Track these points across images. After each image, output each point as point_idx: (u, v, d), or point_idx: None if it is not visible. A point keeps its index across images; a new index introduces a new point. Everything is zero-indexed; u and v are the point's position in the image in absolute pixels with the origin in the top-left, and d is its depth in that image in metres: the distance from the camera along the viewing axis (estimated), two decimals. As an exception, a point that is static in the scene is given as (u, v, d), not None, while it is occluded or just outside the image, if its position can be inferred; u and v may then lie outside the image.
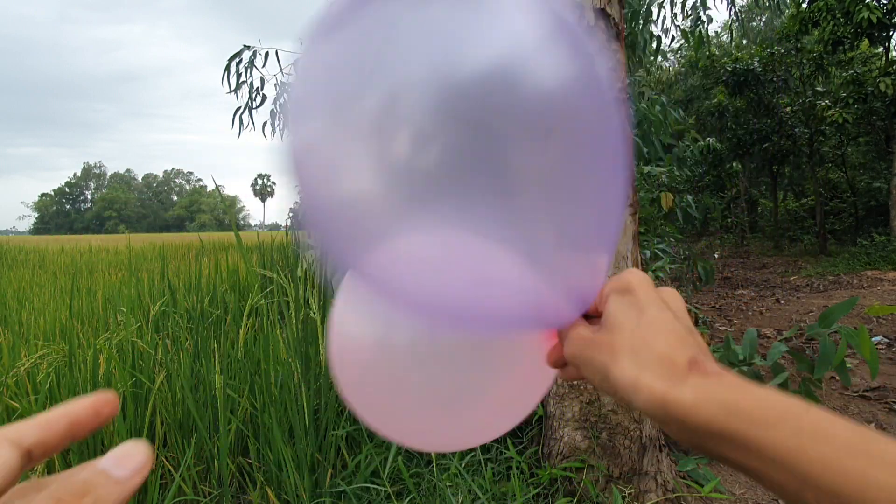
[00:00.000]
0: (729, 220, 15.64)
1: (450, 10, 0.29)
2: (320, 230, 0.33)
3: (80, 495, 0.23)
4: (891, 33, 9.61)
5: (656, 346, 0.34)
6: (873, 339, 4.15)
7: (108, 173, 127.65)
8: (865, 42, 10.21)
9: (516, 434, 2.27)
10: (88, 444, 1.86)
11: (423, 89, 0.27)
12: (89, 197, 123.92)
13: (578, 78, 0.30)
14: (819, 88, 11.79)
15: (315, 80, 0.31)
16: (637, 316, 0.36)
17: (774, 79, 11.53)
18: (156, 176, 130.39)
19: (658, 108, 4.24)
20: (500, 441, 2.18)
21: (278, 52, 7.23)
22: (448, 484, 1.77)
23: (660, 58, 7.94)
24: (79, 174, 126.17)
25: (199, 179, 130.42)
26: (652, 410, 0.33)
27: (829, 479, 0.27)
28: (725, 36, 16.42)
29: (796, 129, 11.62)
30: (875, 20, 8.64)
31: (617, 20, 1.90)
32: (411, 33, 0.29)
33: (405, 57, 0.28)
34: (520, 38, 0.29)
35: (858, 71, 10.57)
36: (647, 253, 3.55)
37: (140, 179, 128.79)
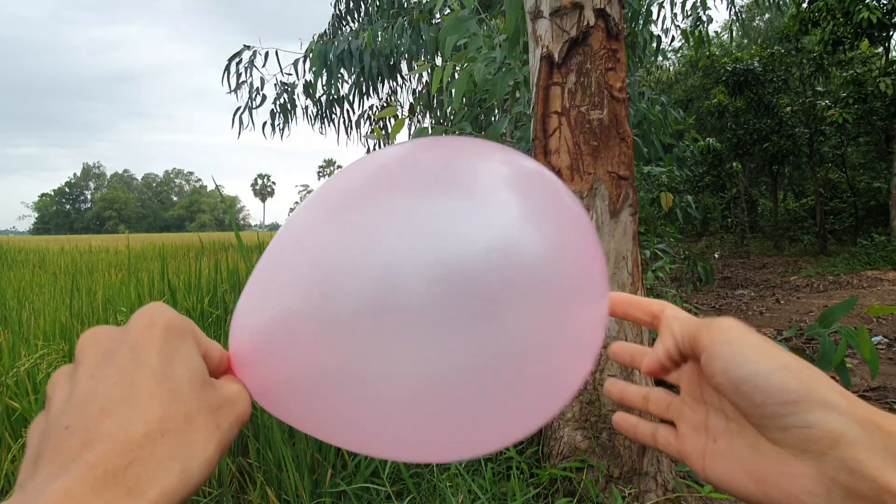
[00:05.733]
0: (729, 220, 15.65)
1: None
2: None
3: None
4: (891, 33, 9.62)
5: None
6: (873, 339, 4.15)
7: (108, 173, 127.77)
8: (865, 42, 10.22)
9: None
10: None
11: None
12: (89, 197, 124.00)
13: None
14: (819, 88, 11.80)
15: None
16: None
17: (774, 79, 11.53)
18: (156, 176, 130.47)
19: (658, 108, 4.24)
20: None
21: (278, 52, 7.23)
22: (448, 484, 1.77)
23: (660, 58, 7.94)
24: (78, 174, 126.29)
25: (199, 179, 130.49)
26: (865, 431, 0.26)
27: None
28: (725, 36, 16.43)
29: (796, 129, 11.63)
30: (875, 20, 8.65)
31: (617, 20, 1.90)
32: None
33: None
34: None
35: (858, 71, 10.57)
36: (647, 253, 3.55)
37: (140, 179, 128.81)
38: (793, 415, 0.28)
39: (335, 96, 8.27)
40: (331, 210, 0.35)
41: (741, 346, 0.30)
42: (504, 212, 0.33)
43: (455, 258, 0.30)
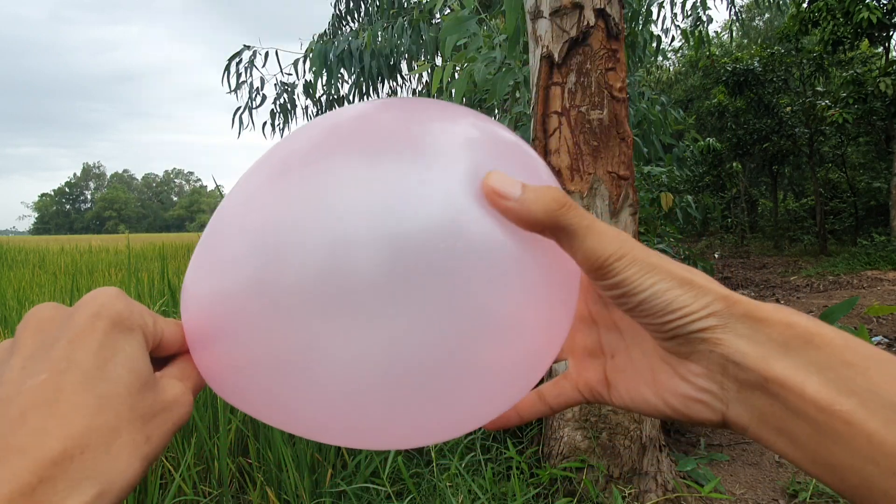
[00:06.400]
0: (729, 220, 15.64)
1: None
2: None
3: None
4: (891, 33, 9.61)
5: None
6: (873, 339, 4.15)
7: (108, 173, 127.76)
8: (865, 42, 10.21)
9: (516, 434, 2.27)
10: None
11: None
12: (89, 197, 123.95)
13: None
14: (819, 88, 11.79)
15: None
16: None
17: (774, 79, 11.53)
18: (156, 176, 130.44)
19: (658, 108, 4.24)
20: (500, 441, 2.18)
21: (278, 52, 7.23)
22: (448, 484, 1.77)
23: (660, 58, 7.94)
24: (78, 174, 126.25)
25: (199, 179, 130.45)
26: (746, 326, 0.27)
27: None
28: (725, 36, 16.44)
29: (796, 129, 11.62)
30: (875, 20, 8.64)
31: (617, 20, 1.90)
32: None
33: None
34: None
35: (858, 71, 10.56)
36: (647, 253, 3.53)
37: (140, 179, 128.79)
38: (679, 326, 0.29)
39: (335, 96, 8.27)
40: (276, 174, 0.32)
41: (637, 273, 0.29)
42: (460, 176, 0.30)
43: (405, 229, 0.28)
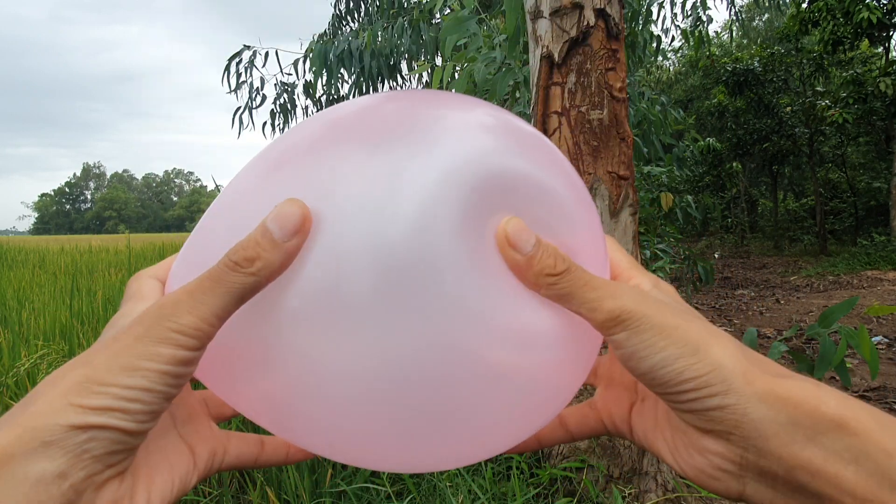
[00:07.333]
0: (729, 220, 15.65)
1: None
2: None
3: (251, 260, 0.26)
4: (891, 33, 9.62)
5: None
6: (873, 339, 4.15)
7: (108, 173, 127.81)
8: (865, 42, 10.21)
9: (516, 434, 2.27)
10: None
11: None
12: (89, 197, 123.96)
13: None
14: (819, 88, 11.80)
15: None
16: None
17: (774, 79, 11.53)
18: (156, 176, 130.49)
19: (658, 108, 4.24)
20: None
21: (278, 52, 7.23)
22: (448, 484, 1.77)
23: (660, 58, 7.94)
24: (78, 174, 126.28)
25: (199, 179, 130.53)
26: (768, 406, 0.25)
27: None
28: (725, 36, 16.44)
29: (796, 129, 11.62)
30: (875, 20, 8.64)
31: (617, 20, 1.90)
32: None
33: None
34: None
35: (858, 71, 10.57)
36: (647, 253, 3.55)
37: (140, 179, 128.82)
38: (694, 400, 0.26)
39: (335, 96, 8.27)
40: (268, 170, 0.30)
41: (643, 334, 0.27)
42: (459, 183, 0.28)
43: (388, 242, 0.26)
